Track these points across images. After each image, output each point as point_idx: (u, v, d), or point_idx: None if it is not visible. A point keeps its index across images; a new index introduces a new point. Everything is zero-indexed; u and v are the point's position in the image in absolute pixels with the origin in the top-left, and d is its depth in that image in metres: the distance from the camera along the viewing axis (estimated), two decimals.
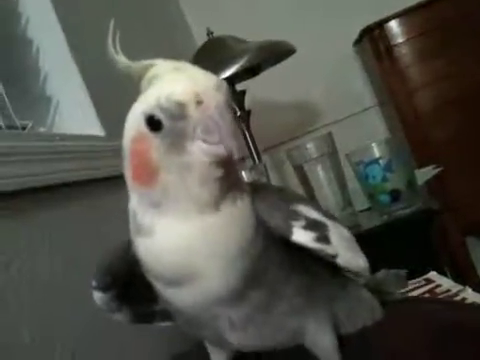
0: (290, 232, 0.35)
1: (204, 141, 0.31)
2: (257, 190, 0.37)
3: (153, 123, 0.32)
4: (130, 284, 0.42)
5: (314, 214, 0.37)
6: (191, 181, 0.32)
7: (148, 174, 0.33)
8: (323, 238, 0.36)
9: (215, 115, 0.31)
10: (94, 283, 0.42)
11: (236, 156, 0.32)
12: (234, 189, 0.34)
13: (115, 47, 0.35)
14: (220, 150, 0.31)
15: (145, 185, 0.33)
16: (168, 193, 0.33)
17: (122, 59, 0.35)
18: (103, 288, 0.42)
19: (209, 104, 0.31)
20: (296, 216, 0.36)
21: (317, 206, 0.39)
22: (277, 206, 0.36)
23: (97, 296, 0.42)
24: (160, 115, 0.32)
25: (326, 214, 0.38)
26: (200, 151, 0.32)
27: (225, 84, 0.33)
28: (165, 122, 0.32)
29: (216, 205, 0.33)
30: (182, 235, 0.33)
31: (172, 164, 0.32)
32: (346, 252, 0.37)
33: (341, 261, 0.37)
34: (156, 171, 0.32)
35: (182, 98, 0.31)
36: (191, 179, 0.32)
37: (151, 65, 0.35)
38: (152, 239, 0.34)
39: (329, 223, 0.37)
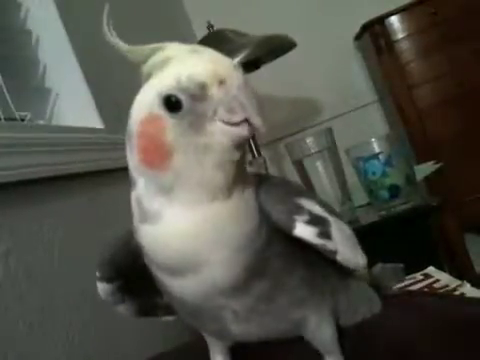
0: (292, 227, 0.35)
1: (226, 122, 0.31)
2: (261, 181, 0.37)
3: (171, 104, 0.31)
4: (133, 276, 0.41)
5: (317, 209, 0.37)
6: (206, 164, 0.32)
7: (160, 156, 0.32)
8: (325, 234, 0.36)
9: (239, 94, 0.31)
10: (98, 274, 0.41)
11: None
12: (242, 178, 0.34)
13: (109, 29, 0.34)
14: (243, 131, 0.31)
15: (156, 168, 0.32)
16: (180, 176, 0.32)
17: (124, 44, 0.35)
18: (107, 279, 0.41)
19: (231, 84, 0.31)
20: (299, 210, 0.35)
21: (320, 200, 0.39)
22: (281, 199, 0.36)
23: (101, 287, 0.41)
24: (180, 95, 0.31)
25: (329, 209, 0.38)
26: (221, 132, 0.31)
27: (241, 67, 0.33)
28: (185, 103, 0.31)
29: (227, 192, 0.33)
30: (191, 222, 0.33)
31: (188, 146, 0.31)
32: (346, 249, 0.37)
33: (340, 258, 0.37)
34: (169, 153, 0.32)
35: (204, 78, 0.31)
36: (207, 161, 0.32)
37: (160, 48, 0.34)
38: (159, 225, 0.33)
39: (331, 219, 0.37)
